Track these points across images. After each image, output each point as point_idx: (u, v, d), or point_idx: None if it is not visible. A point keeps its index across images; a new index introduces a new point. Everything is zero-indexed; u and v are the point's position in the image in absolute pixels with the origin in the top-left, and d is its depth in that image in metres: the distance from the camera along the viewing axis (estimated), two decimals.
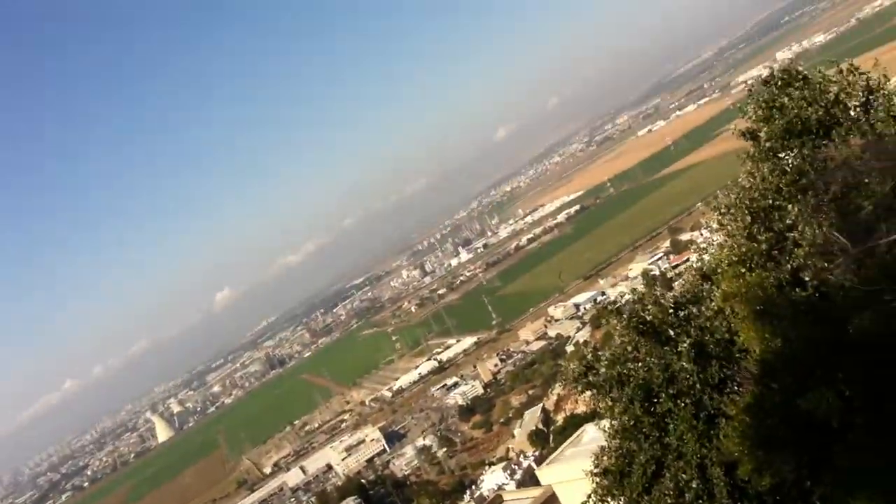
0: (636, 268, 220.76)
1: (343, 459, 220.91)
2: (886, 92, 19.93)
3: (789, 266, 18.60)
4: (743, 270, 20.00)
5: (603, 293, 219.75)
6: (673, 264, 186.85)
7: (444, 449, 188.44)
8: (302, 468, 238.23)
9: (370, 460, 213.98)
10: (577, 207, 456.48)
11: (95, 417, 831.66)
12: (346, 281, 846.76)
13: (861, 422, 12.40)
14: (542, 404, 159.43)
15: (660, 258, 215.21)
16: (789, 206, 19.46)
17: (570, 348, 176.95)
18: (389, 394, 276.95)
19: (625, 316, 22.97)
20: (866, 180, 15.43)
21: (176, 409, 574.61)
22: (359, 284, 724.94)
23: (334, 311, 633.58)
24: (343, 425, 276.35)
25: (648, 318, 22.23)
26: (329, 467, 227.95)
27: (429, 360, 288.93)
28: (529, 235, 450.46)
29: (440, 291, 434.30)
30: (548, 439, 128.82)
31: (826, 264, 16.36)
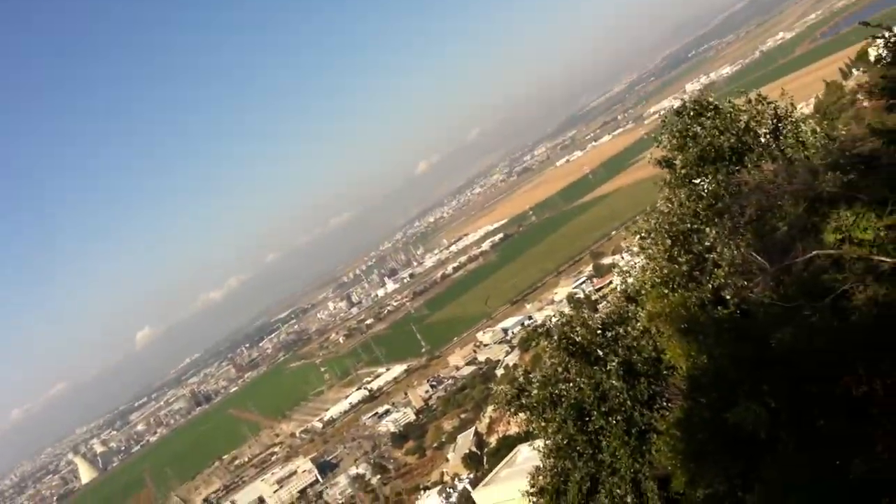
0: (561, 292, 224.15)
1: (275, 492, 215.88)
2: (794, 119, 21.21)
3: (710, 286, 19.47)
4: (666, 291, 20.81)
5: (530, 317, 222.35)
6: (596, 287, 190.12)
7: (378, 476, 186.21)
8: (233, 502, 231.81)
9: (303, 491, 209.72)
10: (500, 235, 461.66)
11: (14, 461, 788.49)
12: (270, 315, 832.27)
13: (787, 433, 12.98)
14: (474, 427, 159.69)
15: (583, 282, 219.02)
16: (707, 229, 20.42)
17: (500, 372, 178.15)
18: (320, 424, 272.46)
19: (554, 338, 23.52)
20: (780, 203, 16.26)
21: (99, 449, 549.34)
22: (284, 318, 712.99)
23: (260, 345, 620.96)
24: (273, 458, 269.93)
25: (577, 339, 22.82)
26: (261, 500, 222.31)
27: (359, 389, 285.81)
28: (455, 264, 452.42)
29: (368, 322, 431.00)
30: (482, 461, 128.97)
31: (746, 283, 17.17)
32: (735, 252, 17.94)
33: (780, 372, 13.67)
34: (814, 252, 14.39)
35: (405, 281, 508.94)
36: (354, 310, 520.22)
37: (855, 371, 10.14)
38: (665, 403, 19.61)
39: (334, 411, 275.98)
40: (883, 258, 12.61)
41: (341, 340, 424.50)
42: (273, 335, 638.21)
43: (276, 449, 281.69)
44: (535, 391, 22.69)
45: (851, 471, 10.76)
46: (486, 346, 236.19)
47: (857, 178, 13.91)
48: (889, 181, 12.99)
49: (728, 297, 18.26)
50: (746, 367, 14.74)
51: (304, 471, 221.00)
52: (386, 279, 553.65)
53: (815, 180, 15.09)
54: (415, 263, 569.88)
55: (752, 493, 13.47)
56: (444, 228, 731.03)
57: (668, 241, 21.58)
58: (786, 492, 11.30)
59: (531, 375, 24.37)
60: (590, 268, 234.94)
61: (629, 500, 19.25)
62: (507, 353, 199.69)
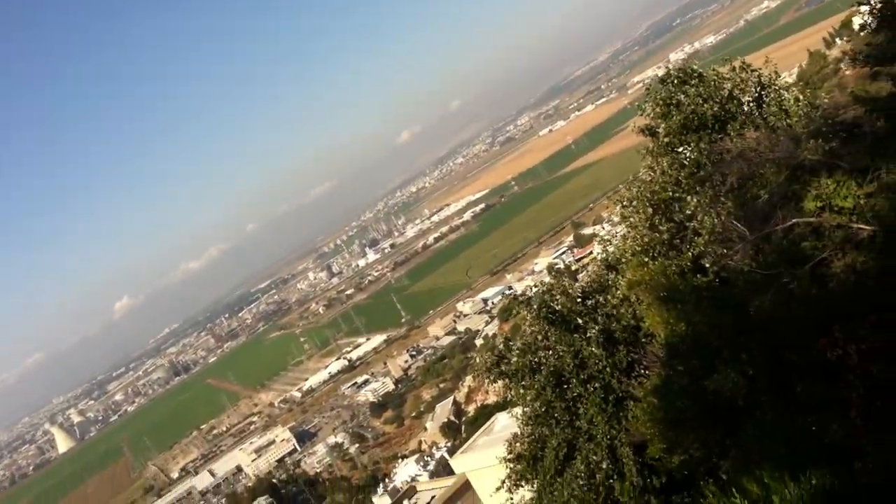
0: (541, 262, 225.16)
1: (253, 461, 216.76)
2: (777, 87, 21.08)
3: (690, 254, 19.47)
4: (646, 259, 20.80)
5: (510, 287, 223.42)
6: (577, 257, 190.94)
7: (357, 445, 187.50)
8: (210, 471, 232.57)
9: (281, 460, 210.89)
10: (482, 206, 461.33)
11: None
12: (250, 285, 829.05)
13: (766, 400, 13.04)
14: (453, 397, 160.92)
15: (564, 252, 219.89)
16: (689, 198, 20.34)
17: (479, 342, 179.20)
18: (299, 394, 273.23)
19: (535, 307, 23.48)
20: (761, 171, 16.20)
21: (76, 418, 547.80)
22: (264, 288, 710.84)
23: (240, 315, 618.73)
24: (252, 427, 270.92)
25: (557, 307, 22.83)
26: (239, 469, 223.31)
27: (338, 359, 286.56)
28: (436, 234, 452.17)
29: (348, 292, 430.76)
30: (460, 430, 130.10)
31: (725, 251, 17.16)
32: (716, 220, 17.90)
33: (758, 339, 13.71)
34: (794, 220, 14.37)
35: (386, 251, 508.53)
36: (335, 280, 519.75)
37: (831, 336, 10.14)
38: (643, 371, 19.69)
39: (313, 381, 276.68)
40: (862, 226, 12.60)
41: (321, 310, 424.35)
42: (253, 305, 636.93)
43: (255, 418, 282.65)
44: (515, 358, 22.69)
45: (828, 436, 10.83)
46: (466, 316, 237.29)
47: (838, 145, 13.87)
48: (871, 149, 12.95)
49: (708, 264, 18.28)
50: (725, 335, 14.77)
51: (283, 440, 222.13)
52: (367, 249, 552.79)
53: (797, 148, 15.04)
54: (396, 233, 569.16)
55: (727, 459, 13.56)
56: (426, 198, 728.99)
57: (650, 210, 21.51)
58: (762, 457, 11.34)
59: (511, 343, 24.44)
60: (571, 238, 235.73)
61: (605, 466, 19.37)
62: (487, 323, 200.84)
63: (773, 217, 15.00)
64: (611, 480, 19.35)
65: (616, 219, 27.26)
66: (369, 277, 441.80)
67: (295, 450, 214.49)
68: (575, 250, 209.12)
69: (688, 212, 20.08)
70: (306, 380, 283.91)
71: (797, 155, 14.85)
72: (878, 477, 9.25)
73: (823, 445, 10.73)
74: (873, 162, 12.75)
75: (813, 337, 11.03)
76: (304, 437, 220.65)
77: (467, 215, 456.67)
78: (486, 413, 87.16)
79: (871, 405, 9.32)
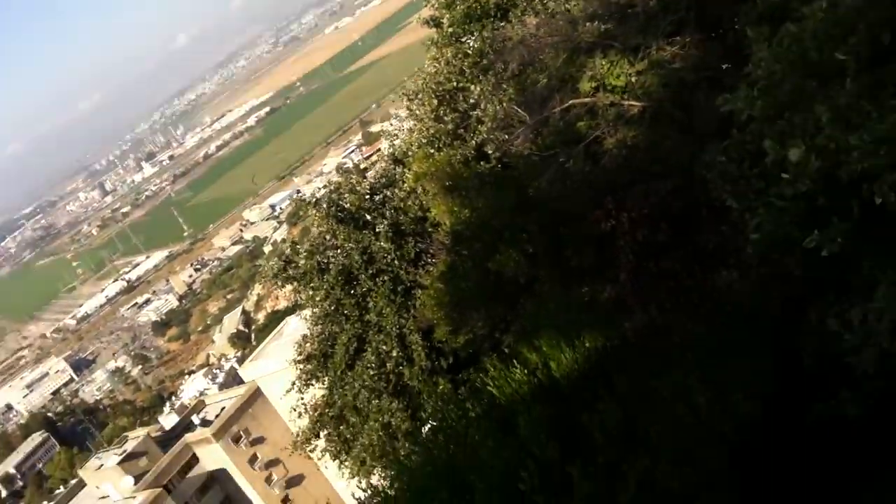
0: (330, 163, 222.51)
1: (24, 397, 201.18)
2: None
3: (474, 142, 19.63)
4: (432, 151, 20.75)
5: (298, 191, 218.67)
6: (366, 155, 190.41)
7: (140, 367, 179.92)
8: None
9: (56, 392, 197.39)
10: (267, 109, 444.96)
11: None
12: (12, 211, 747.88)
13: (544, 274, 13.48)
14: (242, 306, 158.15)
15: (353, 151, 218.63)
16: (472, 87, 20.36)
17: (268, 248, 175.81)
18: (74, 322, 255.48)
19: (322, 206, 22.92)
20: (541, 56, 16.36)
21: None
22: (29, 213, 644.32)
23: (2, 244, 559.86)
24: (22, 362, 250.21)
25: (346, 205, 22.40)
26: (8, 407, 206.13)
27: (116, 281, 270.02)
28: (218, 142, 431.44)
29: (124, 210, 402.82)
30: (250, 339, 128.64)
31: (507, 136, 17.38)
32: (498, 107, 18.03)
33: (536, 218, 14.07)
34: (570, 102, 14.68)
35: (164, 164, 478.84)
36: (109, 198, 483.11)
37: (605, 208, 10.51)
38: (430, 259, 19.88)
39: (89, 306, 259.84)
40: (633, 102, 13.08)
41: (95, 232, 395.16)
42: (16, 233, 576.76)
43: (25, 352, 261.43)
44: (303, 261, 22.25)
45: (600, 301, 11.36)
46: (253, 224, 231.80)
47: (613, 26, 14.18)
48: (642, 28, 13.35)
49: (490, 151, 18.48)
50: (506, 217, 15.06)
51: (58, 371, 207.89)
52: (143, 163, 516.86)
53: (574, 31, 15.23)
54: (175, 144, 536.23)
55: (509, 334, 14.00)
56: (207, 105, 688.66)
57: (435, 101, 21.40)
58: (540, 327, 11.75)
59: (298, 246, 23.93)
60: (359, 136, 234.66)
61: (395, 354, 19.60)
62: (276, 229, 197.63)
63: (551, 100, 15.25)
64: (400, 367, 19.66)
65: (403, 113, 26.96)
66: (147, 193, 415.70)
67: (72, 380, 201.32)
68: (363, 148, 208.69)
69: (471, 101, 20.17)
70: (81, 306, 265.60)
71: (574, 38, 15.04)
72: (644, 333, 9.82)
73: (597, 310, 11.26)
74: (644, 40, 13.16)
75: (587, 209, 11.38)
76: (82, 366, 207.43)
77: (251, 120, 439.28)
78: (277, 319, 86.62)
79: (638, 268, 9.80)
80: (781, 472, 7.84)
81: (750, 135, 8.09)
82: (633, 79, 13.26)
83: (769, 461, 7.73)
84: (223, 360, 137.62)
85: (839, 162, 6.76)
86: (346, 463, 22.01)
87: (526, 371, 10.96)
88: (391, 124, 33.54)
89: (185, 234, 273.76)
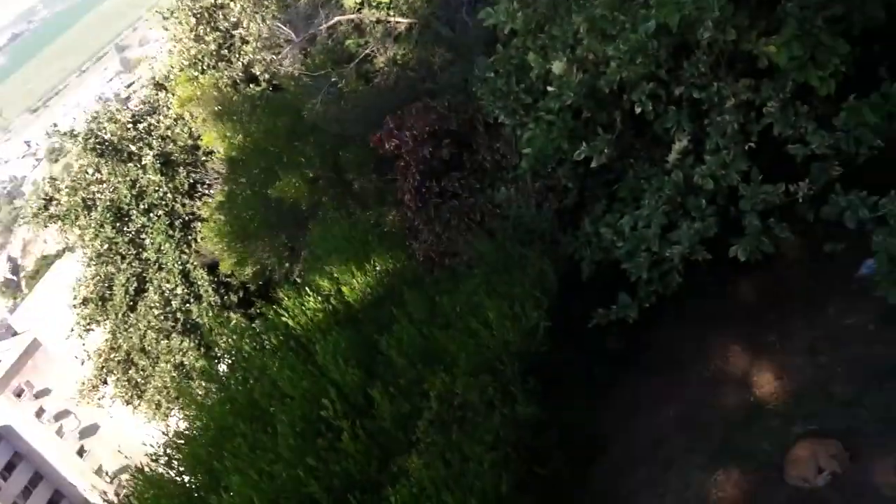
0: (88, 92, 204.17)
1: None
2: None
3: (241, 63, 18.68)
4: (196, 74, 19.52)
5: (55, 124, 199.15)
6: (127, 83, 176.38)
7: None
8: None
9: None
10: (8, 36, 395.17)
11: None
12: None
13: (327, 199, 13.35)
14: (7, 253, 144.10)
15: (112, 79, 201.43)
16: (232, 4, 19.27)
17: (27, 189, 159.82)
18: None
19: (81, 139, 21.16)
20: None
21: None
22: None
23: None
24: None
25: (107, 136, 20.81)
26: None
27: None
28: None
29: None
30: (20, 287, 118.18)
31: (275, 56, 16.73)
32: (261, 25, 17.26)
33: (315, 141, 13.82)
34: (336, 18, 14.32)
35: None
36: None
37: (386, 128, 10.46)
38: (207, 190, 19.07)
39: None
40: (399, 19, 12.98)
41: None
42: None
43: None
44: (65, 198, 20.66)
45: (386, 221, 11.51)
46: (6, 162, 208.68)
47: None
48: None
49: (258, 73, 17.74)
50: (283, 141, 14.64)
51: None
52: None
53: None
54: None
55: (299, 262, 13.85)
56: None
57: (193, 20, 20.00)
58: (329, 251, 11.70)
59: (58, 183, 22.08)
60: (117, 62, 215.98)
61: (180, 291, 18.86)
62: (35, 167, 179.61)
63: (315, 17, 14.80)
64: (187, 304, 18.98)
65: (163, 36, 25.07)
66: None
67: None
68: (122, 75, 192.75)
69: (232, 19, 19.12)
70: None
71: None
72: (431, 252, 10.09)
73: (384, 233, 11.39)
74: None
75: (367, 132, 11.29)
76: None
77: None
78: (47, 264, 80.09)
79: (421, 188, 9.95)
80: (569, 375, 8.52)
81: (514, 49, 8.30)
82: None
83: (558, 367, 8.34)
84: None
85: (599, 73, 7.10)
86: (141, 407, 21.20)
87: (319, 298, 10.92)
88: (151, 46, 31.20)
89: None
